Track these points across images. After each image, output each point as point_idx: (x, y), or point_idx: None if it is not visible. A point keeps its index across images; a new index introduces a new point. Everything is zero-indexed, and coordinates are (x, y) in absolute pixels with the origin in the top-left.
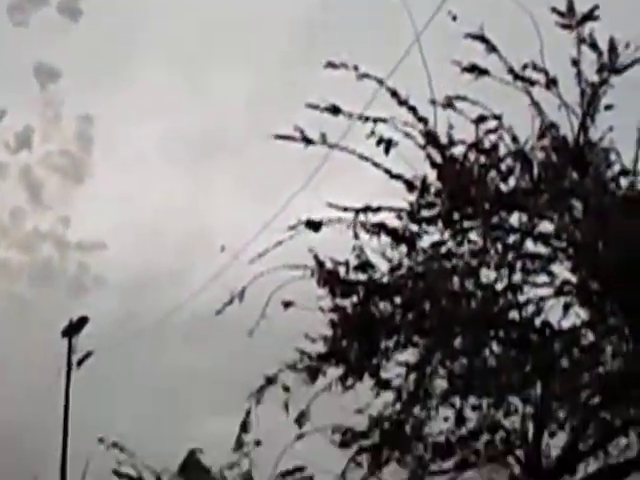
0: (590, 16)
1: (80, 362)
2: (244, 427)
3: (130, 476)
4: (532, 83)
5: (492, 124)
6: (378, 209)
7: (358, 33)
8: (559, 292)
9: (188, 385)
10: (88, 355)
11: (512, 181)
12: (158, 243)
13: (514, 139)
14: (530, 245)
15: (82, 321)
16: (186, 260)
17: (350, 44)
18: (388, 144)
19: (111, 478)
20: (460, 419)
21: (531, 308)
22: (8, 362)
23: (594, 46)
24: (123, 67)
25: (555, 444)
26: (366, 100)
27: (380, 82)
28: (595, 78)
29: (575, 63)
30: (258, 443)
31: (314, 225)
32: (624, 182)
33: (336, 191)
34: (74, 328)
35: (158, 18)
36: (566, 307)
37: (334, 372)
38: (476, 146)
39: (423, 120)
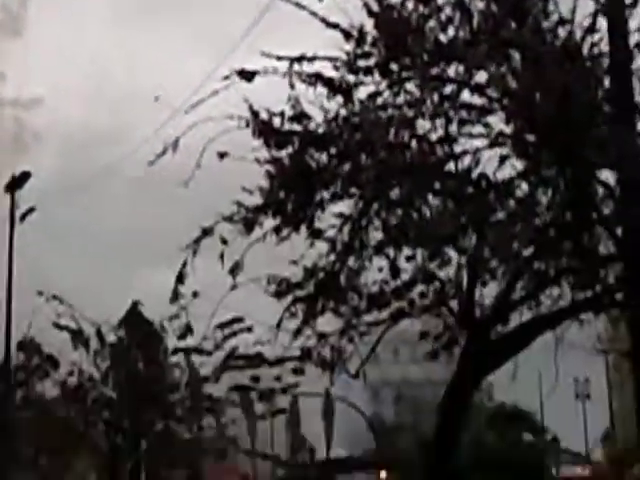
0: None
1: (23, 217)
2: (180, 278)
3: (70, 328)
4: None
5: None
6: (313, 58)
7: None
8: (494, 143)
9: (129, 239)
10: (31, 210)
11: (451, 31)
12: (98, 99)
13: None
14: (467, 96)
15: (24, 176)
16: (127, 117)
17: None
18: None
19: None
20: (394, 270)
21: (468, 159)
22: None
23: None
24: None
25: (488, 294)
26: None
27: None
28: None
29: None
30: (195, 294)
31: (247, 75)
32: (562, 32)
33: (275, 43)
34: (16, 183)
35: None
36: (502, 159)
37: (270, 224)
38: None
39: None
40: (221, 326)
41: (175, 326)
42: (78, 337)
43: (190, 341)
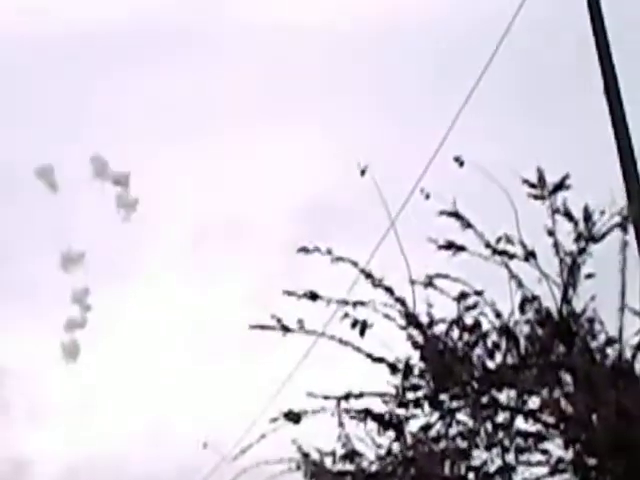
0: (561, 186)
1: None
2: None
3: None
4: (510, 257)
5: (472, 300)
6: (360, 395)
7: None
8: (554, 470)
9: None
10: None
11: (499, 357)
12: None
13: (497, 314)
14: (521, 422)
15: None
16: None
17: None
18: (363, 326)
19: None
20: None
21: None
22: None
23: (569, 215)
24: None
25: None
26: (347, 283)
27: (354, 264)
28: (573, 247)
29: (551, 233)
30: None
31: (294, 417)
32: (611, 352)
33: (319, 379)
34: None
35: None
36: None
37: None
38: (457, 323)
39: (400, 301)
40: None
41: None
42: None
43: None
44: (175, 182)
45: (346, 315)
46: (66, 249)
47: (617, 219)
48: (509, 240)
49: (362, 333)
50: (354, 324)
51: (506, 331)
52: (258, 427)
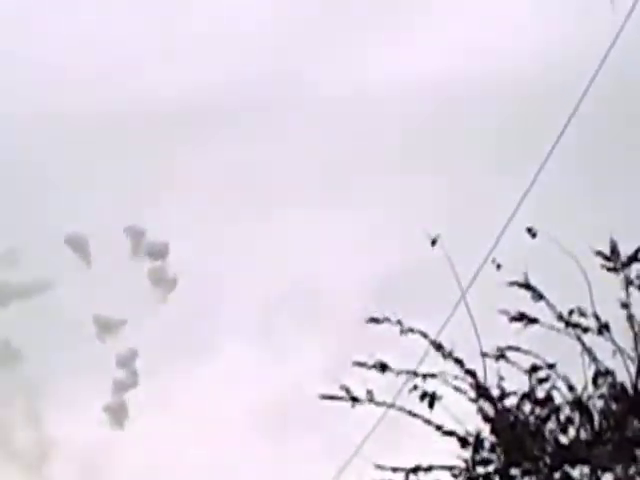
0: (635, 257)
1: None
2: None
3: None
4: (584, 330)
5: (544, 373)
6: (430, 468)
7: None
8: None
9: None
10: None
11: (572, 432)
12: None
13: (570, 388)
14: None
15: None
16: None
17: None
18: (432, 398)
19: None
20: None
21: None
22: None
23: None
24: None
25: None
26: (416, 355)
27: (424, 335)
28: None
29: (625, 306)
30: None
31: None
32: None
33: (389, 452)
34: None
35: None
36: None
37: None
38: (529, 397)
39: (470, 373)
40: None
41: None
42: None
43: None
44: (238, 258)
45: (415, 387)
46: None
47: None
48: (582, 313)
49: (431, 405)
50: (423, 396)
51: (579, 405)
52: None
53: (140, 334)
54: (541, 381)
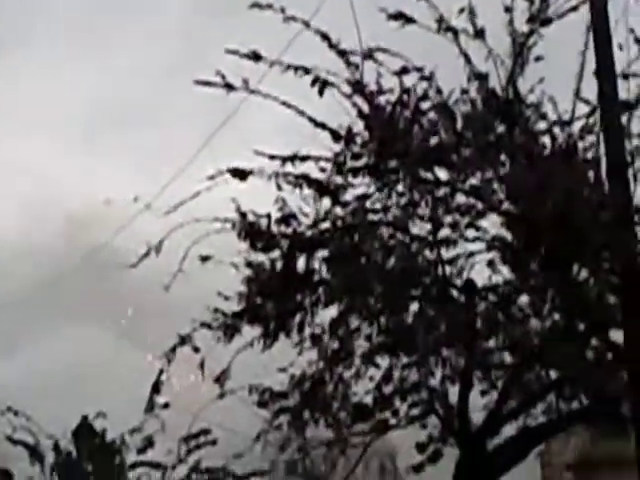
0: None
1: None
2: (155, 388)
3: (25, 443)
4: (456, 33)
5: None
6: (306, 157)
7: None
8: (490, 247)
9: None
10: None
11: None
12: None
13: (438, 91)
14: (462, 199)
15: None
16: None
17: None
18: (323, 85)
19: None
20: (386, 379)
21: (461, 263)
22: None
23: None
24: None
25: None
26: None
27: (307, 24)
28: (525, 29)
29: (507, 10)
30: (166, 405)
31: (241, 174)
32: (560, 134)
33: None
34: None
35: None
36: (490, 264)
37: (249, 331)
38: (401, 101)
39: (354, 65)
40: (186, 439)
41: (137, 439)
42: (34, 452)
43: (152, 454)
44: None
45: (307, 72)
46: None
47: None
48: (472, 12)
49: (321, 92)
50: (314, 81)
51: (444, 109)
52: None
53: None
54: (405, 91)
